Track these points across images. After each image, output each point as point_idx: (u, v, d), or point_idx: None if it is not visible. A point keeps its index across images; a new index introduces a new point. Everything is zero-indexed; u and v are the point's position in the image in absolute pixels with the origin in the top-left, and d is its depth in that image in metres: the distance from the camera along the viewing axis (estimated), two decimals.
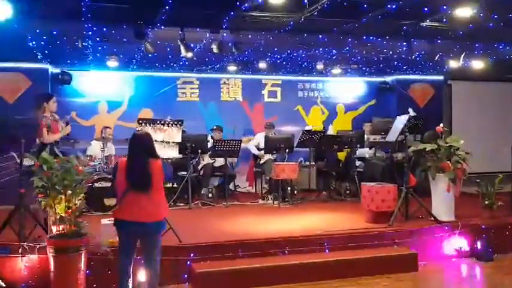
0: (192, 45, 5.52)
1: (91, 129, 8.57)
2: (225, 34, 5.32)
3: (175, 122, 4.78)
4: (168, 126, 4.74)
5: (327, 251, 5.02)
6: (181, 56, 5.43)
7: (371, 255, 4.95)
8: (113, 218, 4.46)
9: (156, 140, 4.64)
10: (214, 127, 8.23)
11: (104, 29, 5.11)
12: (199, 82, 9.31)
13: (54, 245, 4.01)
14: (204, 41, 5.67)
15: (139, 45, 5.47)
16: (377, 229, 5.38)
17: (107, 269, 4.39)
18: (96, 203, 6.41)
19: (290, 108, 9.78)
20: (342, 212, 6.49)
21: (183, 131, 8.36)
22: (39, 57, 6.93)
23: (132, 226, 3.71)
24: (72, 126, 8.19)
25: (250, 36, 5.48)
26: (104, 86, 8.83)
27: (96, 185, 6.49)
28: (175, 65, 8.13)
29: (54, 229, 4.26)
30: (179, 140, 4.80)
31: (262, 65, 7.87)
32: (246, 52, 6.37)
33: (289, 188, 7.28)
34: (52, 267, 4.03)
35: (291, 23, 5.10)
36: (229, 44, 5.52)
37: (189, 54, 5.49)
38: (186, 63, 7.78)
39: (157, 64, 8.07)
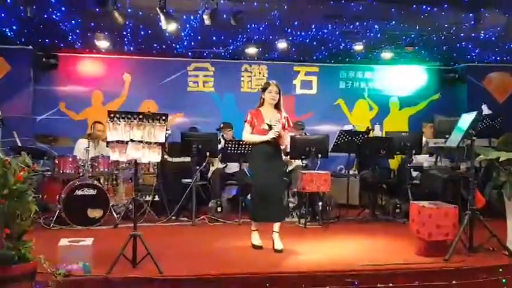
0: (184, 17, 5.15)
1: (83, 124, 8.60)
2: (221, 1, 4.89)
3: (158, 117, 4.37)
4: (149, 122, 4.34)
5: None
6: (164, 29, 5.03)
7: None
8: (76, 239, 4.15)
9: (131, 140, 4.27)
10: (221, 125, 8.07)
11: None
12: (215, 69, 9.19)
13: None
14: (200, 12, 5.28)
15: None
16: (428, 265, 4.77)
17: None
18: (78, 215, 6.28)
19: (329, 103, 9.54)
20: (386, 238, 6.01)
21: (194, 128, 8.38)
22: (9, 34, 6.82)
23: None
24: (60, 120, 8.43)
25: (255, 3, 5.02)
26: (98, 73, 8.83)
27: (78, 192, 6.36)
28: (177, 46, 8.01)
29: None
30: (162, 139, 4.42)
31: (282, 45, 7.63)
32: (260, 28, 6.00)
33: (319, 204, 6.87)
34: None
35: None
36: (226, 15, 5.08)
37: (172, 27, 5.09)
38: (192, 43, 7.66)
39: (155, 44, 7.88)
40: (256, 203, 5.37)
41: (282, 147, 5.54)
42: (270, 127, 5.22)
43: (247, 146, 6.95)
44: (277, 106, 5.36)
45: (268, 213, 5.28)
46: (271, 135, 5.22)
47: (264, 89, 5.34)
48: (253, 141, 5.34)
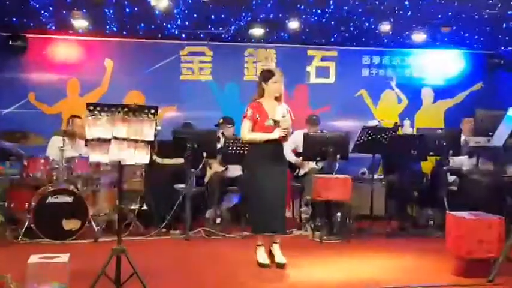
0: None
1: (57, 119, 8.61)
2: None
3: (146, 110, 4.38)
4: (135, 116, 4.35)
5: None
6: (153, 6, 5.05)
7: None
8: (48, 255, 4.17)
9: (115, 137, 4.31)
10: (221, 120, 8.10)
11: None
12: (213, 53, 9.20)
13: None
14: None
15: None
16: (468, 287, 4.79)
17: None
18: (51, 226, 6.33)
19: (349, 94, 9.58)
20: (417, 256, 6.04)
21: (189, 124, 8.40)
22: None
23: None
24: (29, 114, 8.46)
25: None
26: (74, 58, 8.84)
27: (51, 199, 6.39)
28: (169, 26, 8.05)
29: None
30: (151, 137, 4.41)
31: (294, 24, 7.65)
32: (268, 4, 6.02)
33: (338, 214, 6.94)
34: None
35: None
36: None
37: (162, 3, 5.11)
38: (186, 23, 7.73)
39: (143, 24, 7.99)
40: (256, 213, 5.41)
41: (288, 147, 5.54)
42: (276, 123, 5.26)
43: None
44: (277, 97, 5.40)
45: (269, 224, 5.32)
46: (278, 133, 5.25)
47: (266, 78, 5.35)
48: (257, 140, 5.35)
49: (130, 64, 8.91)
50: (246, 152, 6.93)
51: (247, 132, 5.36)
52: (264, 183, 5.28)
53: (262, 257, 5.39)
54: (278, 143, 5.38)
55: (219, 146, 7.40)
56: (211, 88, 9.16)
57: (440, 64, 9.77)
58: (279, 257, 5.34)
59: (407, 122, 8.56)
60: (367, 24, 7.94)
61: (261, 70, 5.62)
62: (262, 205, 5.28)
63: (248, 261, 5.54)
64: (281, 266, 5.26)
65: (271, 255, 5.41)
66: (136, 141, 4.42)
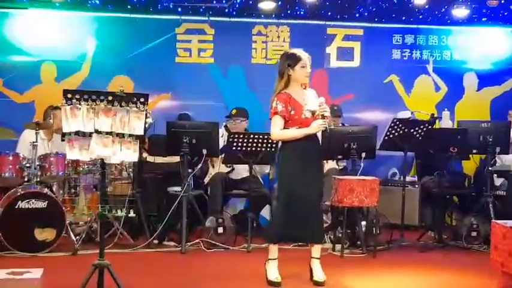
0: None
1: (29, 109, 8.59)
2: None
3: (135, 99, 4.41)
4: (121, 106, 4.39)
5: None
6: None
7: None
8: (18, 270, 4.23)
9: (97, 131, 4.33)
10: (234, 111, 8.07)
11: None
12: (215, 31, 9.19)
13: None
14: None
15: None
16: None
17: None
18: (21, 236, 6.36)
19: (377, 80, 9.57)
20: (458, 273, 6.06)
21: (186, 115, 8.42)
22: None
23: None
24: None
25: None
26: (49, 36, 8.80)
27: (22, 204, 6.41)
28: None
29: None
30: (141, 131, 4.44)
31: None
32: None
33: (363, 224, 6.96)
34: None
35: None
36: None
37: None
38: None
39: None
40: (279, 218, 5.46)
41: None
42: (314, 114, 5.33)
43: (263, 143, 6.99)
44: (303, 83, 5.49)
45: (304, 232, 5.38)
46: (318, 125, 5.30)
47: (293, 64, 5.38)
48: (297, 137, 5.36)
49: (117, 44, 8.89)
50: (256, 149, 6.99)
51: (278, 131, 5.38)
52: (298, 186, 5.31)
53: (273, 273, 5.39)
54: (315, 138, 5.48)
55: (221, 142, 7.44)
56: (212, 73, 9.12)
57: (486, 45, 9.70)
58: (319, 274, 5.40)
59: (446, 114, 8.56)
60: None
61: (283, 54, 5.60)
62: (295, 212, 5.30)
63: (256, 278, 5.55)
64: (320, 284, 5.34)
65: (310, 272, 5.48)
66: (122, 135, 4.46)
